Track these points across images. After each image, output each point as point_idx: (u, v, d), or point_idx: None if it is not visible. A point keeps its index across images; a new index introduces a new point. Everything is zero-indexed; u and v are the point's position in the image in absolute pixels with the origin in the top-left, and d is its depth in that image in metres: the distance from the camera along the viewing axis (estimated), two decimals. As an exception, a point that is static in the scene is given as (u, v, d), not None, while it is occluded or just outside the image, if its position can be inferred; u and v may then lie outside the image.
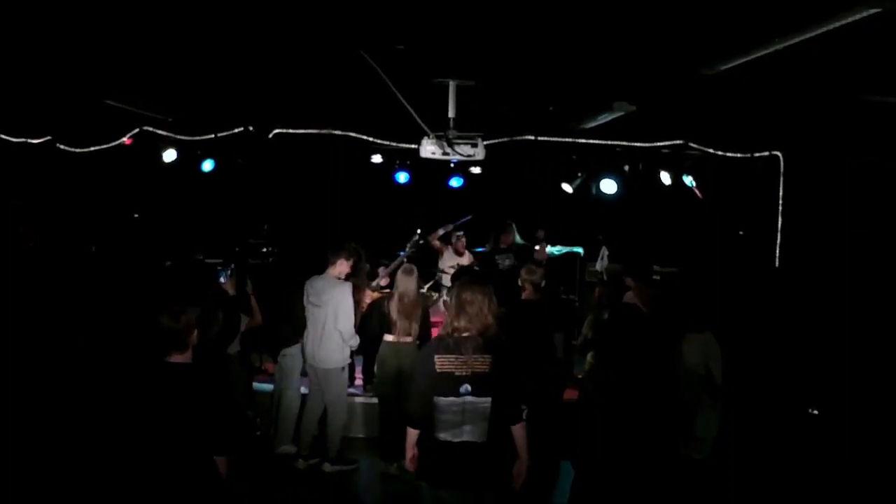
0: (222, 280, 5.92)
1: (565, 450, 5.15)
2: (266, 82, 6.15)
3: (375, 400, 6.46)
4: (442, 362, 3.79)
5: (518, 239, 9.21)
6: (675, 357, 4.96)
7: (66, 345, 6.90)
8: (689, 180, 8.31)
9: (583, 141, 7.93)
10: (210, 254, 8.84)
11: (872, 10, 3.28)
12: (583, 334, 6.51)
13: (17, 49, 5.16)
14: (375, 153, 9.08)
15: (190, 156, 8.74)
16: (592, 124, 7.18)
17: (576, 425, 4.59)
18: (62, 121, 8.28)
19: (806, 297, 7.17)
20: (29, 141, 8.54)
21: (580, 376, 5.74)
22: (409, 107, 5.17)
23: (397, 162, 9.57)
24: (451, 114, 5.39)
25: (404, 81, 5.00)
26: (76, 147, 8.57)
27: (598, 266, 9.87)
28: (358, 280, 6.72)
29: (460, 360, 3.78)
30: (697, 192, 8.37)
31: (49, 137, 8.54)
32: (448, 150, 5.33)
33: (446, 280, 8.33)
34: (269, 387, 6.77)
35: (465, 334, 3.81)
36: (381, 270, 7.89)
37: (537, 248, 9.27)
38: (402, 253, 8.12)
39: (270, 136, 8.18)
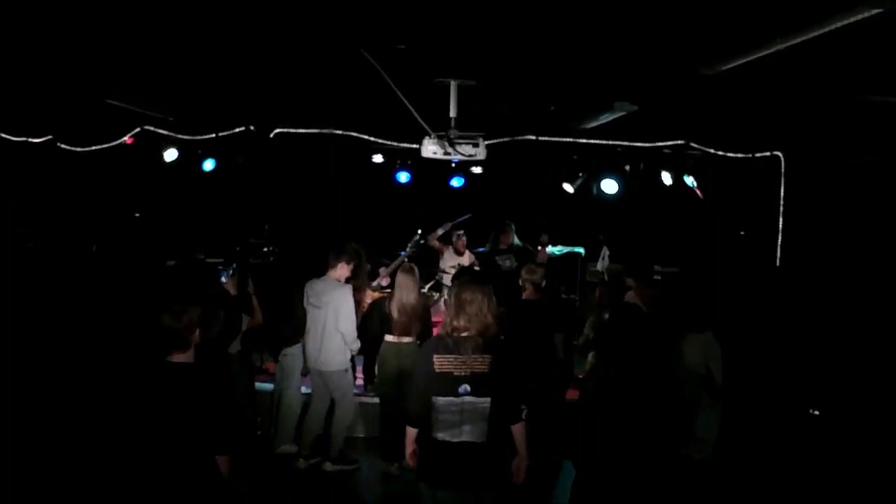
0: (223, 280, 5.92)
1: (567, 449, 5.15)
2: (267, 82, 6.15)
3: (376, 400, 6.47)
4: (441, 362, 3.78)
5: (517, 240, 9.22)
6: (676, 357, 4.97)
7: (67, 344, 6.90)
8: (690, 180, 8.31)
9: (584, 141, 7.93)
10: (211, 253, 8.83)
11: (874, 11, 3.28)
12: (584, 334, 6.51)
13: (18, 48, 5.16)
14: (376, 153, 9.09)
15: (191, 155, 8.75)
16: (594, 124, 7.18)
17: (577, 425, 4.59)
18: (63, 120, 8.28)
19: (806, 297, 7.17)
20: (30, 140, 8.54)
21: (581, 376, 5.74)
22: (410, 106, 5.16)
23: (398, 161, 9.57)
24: (452, 113, 5.38)
25: (405, 81, 4.99)
26: (77, 146, 8.57)
27: (599, 266, 9.86)
28: (359, 280, 6.73)
29: (459, 360, 3.77)
30: (698, 192, 8.37)
31: (50, 136, 8.54)
32: (449, 149, 5.32)
33: (447, 280, 8.33)
34: (269, 386, 6.78)
35: (464, 334, 3.81)
36: (382, 270, 7.89)
37: (538, 248, 9.27)
38: (402, 253, 8.12)
39: (271, 135, 8.18)
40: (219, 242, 9.18)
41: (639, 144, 7.98)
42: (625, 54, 4.69)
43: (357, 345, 6.11)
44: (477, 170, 10.02)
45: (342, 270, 6.12)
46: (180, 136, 8.45)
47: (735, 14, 3.71)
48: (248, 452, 6.02)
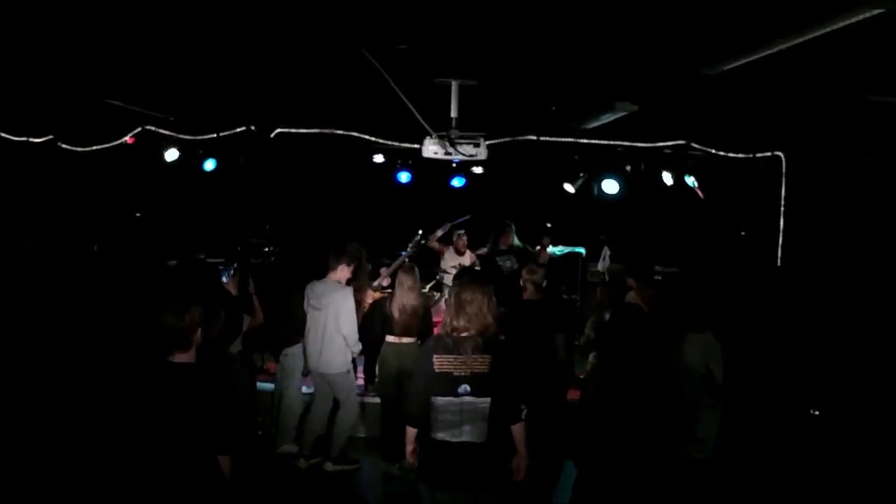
0: (224, 280, 5.92)
1: (567, 449, 5.15)
2: (268, 82, 6.15)
3: (377, 400, 6.47)
4: (441, 362, 3.78)
5: (517, 241, 9.22)
6: (676, 357, 4.97)
7: (68, 345, 6.90)
8: (691, 180, 8.31)
9: (585, 141, 7.92)
10: (212, 253, 8.83)
11: (874, 11, 3.28)
12: (585, 335, 6.51)
13: (19, 48, 5.17)
14: (377, 153, 9.09)
15: (192, 155, 8.75)
16: (594, 124, 7.18)
17: (578, 425, 4.60)
18: (64, 120, 8.27)
19: (807, 297, 7.17)
20: (30, 140, 8.53)
21: (582, 376, 5.74)
22: (411, 106, 5.16)
23: (399, 162, 9.58)
24: (453, 114, 5.39)
25: (406, 81, 4.99)
26: (78, 146, 8.57)
27: (600, 266, 9.87)
28: (359, 281, 6.73)
29: (459, 360, 3.77)
30: (699, 192, 8.36)
31: (51, 136, 8.53)
32: (450, 149, 5.32)
33: (448, 280, 8.34)
34: (270, 386, 6.78)
35: (464, 334, 3.81)
36: (383, 270, 7.89)
37: (538, 248, 9.28)
38: (403, 253, 8.12)
39: (272, 135, 8.18)
40: (220, 242, 9.17)
41: (640, 144, 7.97)
42: (626, 54, 4.69)
43: (359, 347, 6.11)
44: (478, 170, 10.03)
45: (343, 272, 6.12)
46: (181, 135, 8.45)
47: (736, 14, 3.71)
48: (248, 452, 6.02)
